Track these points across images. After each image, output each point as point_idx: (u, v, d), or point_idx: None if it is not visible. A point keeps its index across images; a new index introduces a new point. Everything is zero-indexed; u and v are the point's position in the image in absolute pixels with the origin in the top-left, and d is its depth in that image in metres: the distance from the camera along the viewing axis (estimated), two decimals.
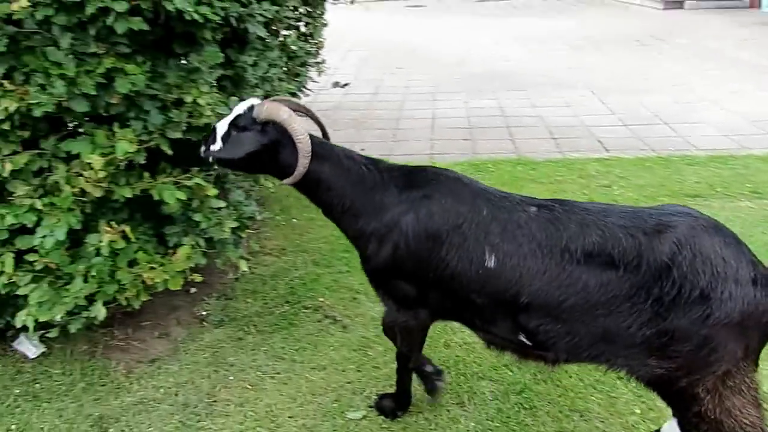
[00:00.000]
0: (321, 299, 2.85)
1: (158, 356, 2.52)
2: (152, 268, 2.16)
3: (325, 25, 3.72)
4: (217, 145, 1.80)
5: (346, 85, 3.83)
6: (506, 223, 1.57)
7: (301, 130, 1.65)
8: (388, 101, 6.19)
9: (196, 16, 1.71)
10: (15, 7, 1.50)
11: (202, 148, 1.87)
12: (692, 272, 1.37)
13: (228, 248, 2.48)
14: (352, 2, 3.51)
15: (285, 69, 3.08)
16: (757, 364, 1.48)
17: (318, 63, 3.71)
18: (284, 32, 3.02)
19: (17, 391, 2.31)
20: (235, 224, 2.41)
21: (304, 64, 3.43)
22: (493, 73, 7.18)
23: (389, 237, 1.71)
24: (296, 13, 3.05)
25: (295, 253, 3.29)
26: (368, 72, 7.48)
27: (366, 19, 10.45)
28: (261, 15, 2.32)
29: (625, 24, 10.10)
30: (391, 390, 2.15)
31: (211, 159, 1.86)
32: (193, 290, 2.94)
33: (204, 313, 2.80)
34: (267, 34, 2.42)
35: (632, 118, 5.33)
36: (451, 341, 2.52)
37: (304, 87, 3.50)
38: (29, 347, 2.43)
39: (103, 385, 2.34)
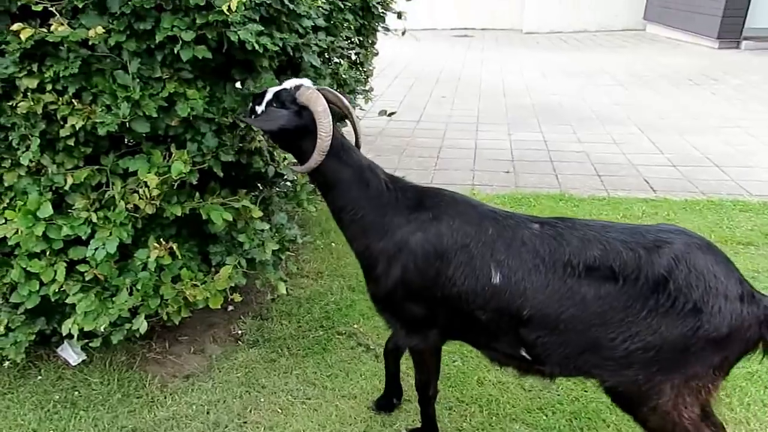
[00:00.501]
0: (355, 326, 2.84)
1: (192, 372, 2.56)
2: (195, 285, 2.21)
3: (375, 54, 3.79)
4: (260, 108, 1.83)
5: (392, 114, 3.87)
6: (511, 240, 1.64)
7: (327, 127, 1.65)
8: (432, 129, 6.22)
9: (256, 46, 1.76)
10: (92, 33, 1.59)
11: (249, 107, 1.89)
12: (687, 286, 1.45)
13: (268, 269, 2.51)
14: (403, 33, 3.55)
15: None
16: (727, 373, 1.55)
17: (366, 90, 3.77)
18: (336, 60, 3.08)
19: (57, 397, 2.37)
20: (276, 246, 2.45)
21: (353, 92, 3.49)
22: (539, 106, 7.13)
23: (398, 257, 1.75)
24: (349, 43, 3.11)
25: (331, 277, 3.30)
26: (413, 99, 7.55)
27: (414, 47, 10.57)
28: (316, 45, 2.37)
29: (677, 61, 9.90)
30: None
31: (252, 119, 1.87)
32: (230, 308, 2.99)
33: (240, 332, 2.83)
34: (320, 63, 2.47)
35: (682, 158, 5.19)
36: (484, 379, 2.47)
37: None
38: (71, 354, 2.51)
39: (138, 398, 2.38)
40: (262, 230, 2.39)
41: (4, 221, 1.98)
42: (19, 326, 2.23)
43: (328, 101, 1.73)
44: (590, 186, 4.59)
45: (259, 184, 2.67)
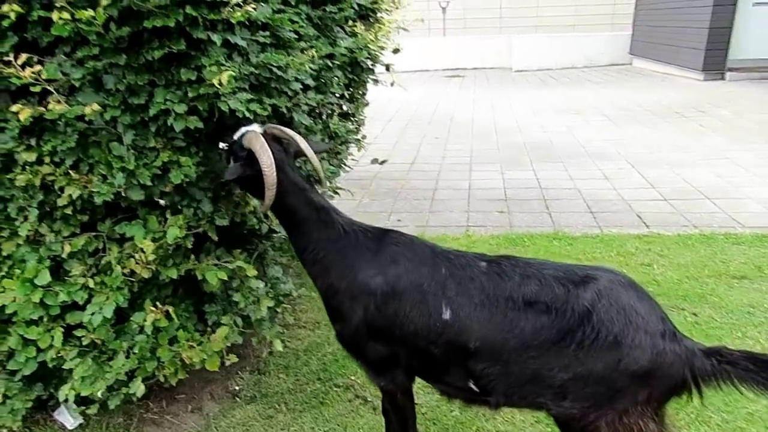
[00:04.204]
0: (352, 377, 2.84)
1: None
2: (191, 346, 2.22)
3: (366, 104, 3.89)
4: (230, 161, 1.93)
5: (384, 162, 3.95)
6: (461, 278, 1.75)
7: (267, 161, 1.72)
8: (426, 171, 6.31)
9: (247, 114, 1.83)
10: (88, 110, 1.65)
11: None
12: (609, 319, 1.53)
13: (264, 326, 2.53)
14: (392, 84, 3.66)
15: (328, 149, 3.21)
16: (657, 413, 1.59)
17: (358, 139, 3.85)
18: (327, 114, 3.17)
19: None
20: (272, 303, 2.47)
21: (345, 142, 3.57)
22: (531, 144, 7.26)
23: (360, 298, 1.84)
24: (339, 97, 3.20)
25: (328, 326, 3.29)
26: (407, 142, 7.69)
27: (407, 88, 10.81)
28: (306, 104, 2.45)
29: (664, 95, 10.12)
30: None
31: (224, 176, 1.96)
32: (228, 363, 2.98)
33: (237, 388, 2.82)
34: (311, 120, 2.55)
35: (673, 192, 5.26)
36: (482, 428, 2.45)
37: (344, 164, 3.62)
38: (68, 418, 2.49)
39: None
40: (257, 288, 2.42)
41: (2, 290, 2.01)
42: (16, 393, 2.23)
43: (278, 138, 1.83)
44: (583, 223, 4.64)
45: (254, 240, 2.71)
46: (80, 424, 2.53)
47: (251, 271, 2.30)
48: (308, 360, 3.01)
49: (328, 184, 3.48)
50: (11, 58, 1.58)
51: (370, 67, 3.38)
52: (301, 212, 1.88)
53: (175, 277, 2.10)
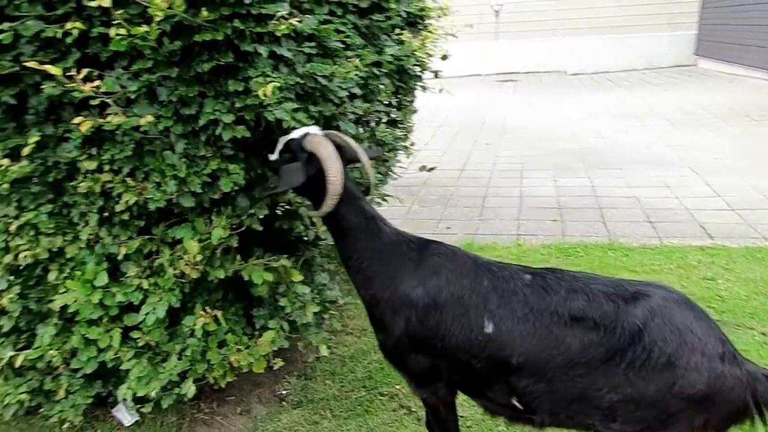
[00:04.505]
0: (397, 386, 2.82)
1: None
2: (239, 349, 2.27)
3: (414, 111, 3.88)
4: (273, 156, 1.94)
5: (432, 169, 3.93)
6: (503, 291, 1.71)
7: (336, 171, 1.71)
8: (476, 178, 6.24)
9: (292, 123, 1.86)
10: (142, 121, 1.73)
11: (267, 154, 1.99)
12: (662, 338, 1.46)
13: (310, 331, 2.56)
14: (440, 91, 3.64)
15: (375, 156, 3.23)
16: None
17: (406, 146, 3.85)
18: (374, 123, 3.18)
19: None
20: (317, 308, 2.49)
21: (392, 150, 3.57)
22: (586, 149, 7.04)
23: (401, 309, 1.82)
24: (386, 105, 3.21)
25: (374, 334, 3.30)
26: (457, 148, 7.63)
27: (458, 93, 10.75)
28: (353, 112, 2.47)
29: (732, 97, 9.58)
30: None
31: (275, 186, 2.00)
32: (276, 367, 3.04)
33: (284, 392, 2.86)
34: (358, 127, 2.57)
35: (741, 202, 4.95)
36: None
37: (392, 171, 3.63)
38: (125, 416, 2.60)
39: None
40: (303, 293, 2.45)
41: (65, 290, 2.13)
42: (77, 389, 2.35)
43: (337, 145, 1.80)
44: (641, 233, 4.45)
45: (301, 246, 2.75)
46: (136, 422, 2.64)
47: (297, 276, 2.34)
48: (354, 367, 3.02)
49: (376, 191, 3.50)
50: (74, 72, 1.68)
51: (418, 74, 3.37)
52: (350, 221, 1.88)
53: (222, 277, 2.16)
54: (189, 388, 2.25)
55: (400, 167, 3.82)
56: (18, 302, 2.20)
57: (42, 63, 1.66)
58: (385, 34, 2.75)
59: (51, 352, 2.19)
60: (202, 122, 1.80)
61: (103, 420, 2.67)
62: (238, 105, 1.79)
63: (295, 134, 1.84)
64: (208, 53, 1.77)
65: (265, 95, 1.69)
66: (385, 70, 2.75)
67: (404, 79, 3.21)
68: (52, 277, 2.16)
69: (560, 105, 10.22)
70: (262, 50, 1.77)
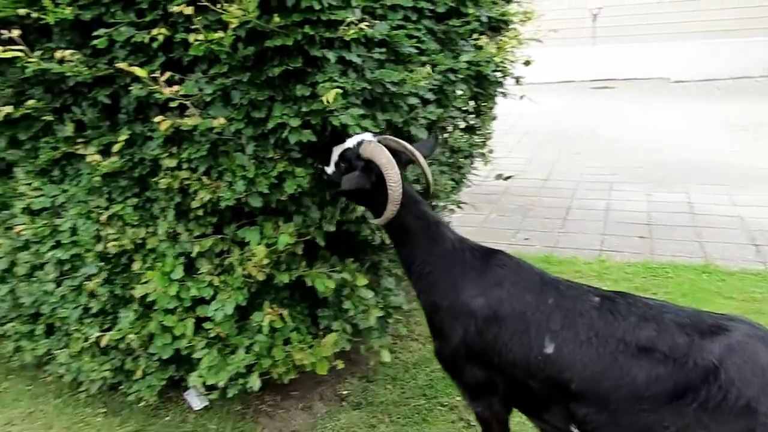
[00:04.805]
0: (458, 398, 2.76)
1: (298, 429, 2.66)
2: (302, 348, 2.32)
3: (493, 118, 3.78)
4: (329, 169, 1.96)
5: (509, 178, 3.81)
6: (569, 311, 1.63)
7: (395, 177, 1.69)
8: (560, 188, 5.97)
9: (357, 129, 1.87)
10: (216, 123, 1.82)
11: (323, 167, 2.01)
12: (741, 379, 1.33)
13: (373, 335, 2.56)
14: (521, 98, 3.52)
15: (448, 162, 3.18)
16: None
17: (483, 154, 3.76)
18: (449, 129, 3.14)
19: None
20: (381, 313, 2.49)
21: (469, 156, 3.50)
22: (686, 163, 6.51)
23: (461, 318, 1.77)
24: (462, 111, 3.15)
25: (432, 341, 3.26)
26: (542, 157, 7.35)
27: (547, 100, 10.37)
28: (425, 118, 2.45)
29: None
30: None
31: (325, 178, 1.99)
32: (339, 367, 3.08)
33: (345, 392, 2.89)
34: (429, 134, 2.54)
35: None
36: None
37: (465, 179, 3.55)
38: (195, 400, 2.75)
39: None
40: (367, 298, 2.46)
41: (146, 280, 2.27)
42: (153, 372, 2.51)
43: (393, 150, 1.77)
44: (742, 257, 4.05)
45: (368, 250, 2.77)
46: (205, 407, 2.77)
47: (361, 281, 2.35)
48: (416, 374, 3.00)
49: (451, 197, 3.45)
50: (158, 75, 1.79)
51: (498, 80, 3.27)
52: (410, 226, 1.86)
53: (287, 281, 2.22)
54: (254, 382, 2.33)
55: (477, 175, 3.73)
56: (105, 287, 2.39)
57: (131, 65, 1.78)
58: (463, 39, 2.70)
59: (131, 335, 2.35)
60: (270, 125, 1.86)
61: (175, 402, 2.83)
62: (304, 109, 1.83)
63: (349, 143, 1.85)
64: (279, 58, 1.83)
65: (328, 101, 1.71)
66: (462, 76, 2.70)
67: (483, 85, 3.13)
68: (135, 266, 2.32)
69: (660, 114, 9.56)
70: (331, 55, 1.79)
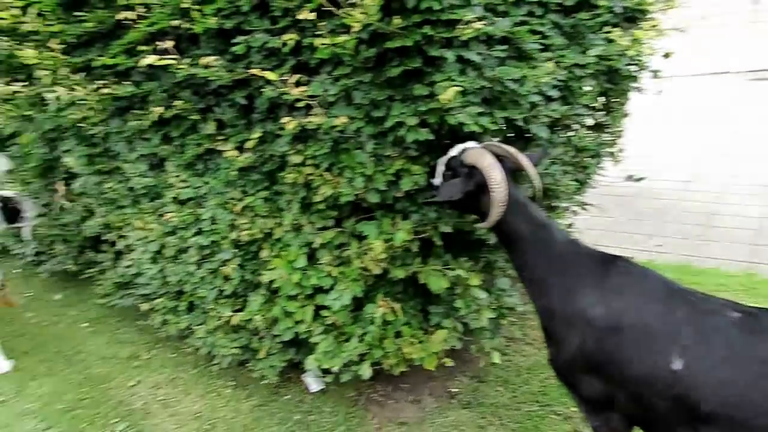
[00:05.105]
0: (573, 409, 2.63)
1: (406, 421, 2.71)
2: (413, 343, 2.36)
3: (625, 115, 3.53)
4: (436, 181, 1.98)
5: (641, 179, 3.53)
6: (702, 325, 1.50)
7: (498, 178, 1.67)
8: (704, 192, 5.41)
9: (474, 128, 1.86)
10: (338, 122, 1.91)
11: (430, 180, 2.05)
12: None
13: (484, 336, 2.53)
14: (659, 93, 3.24)
15: (572, 162, 3.03)
16: None
17: (613, 153, 3.52)
18: (575, 127, 2.98)
19: (296, 417, 2.78)
20: (493, 314, 2.45)
21: (596, 156, 3.30)
22: None
23: (577, 326, 1.67)
24: (590, 109, 2.98)
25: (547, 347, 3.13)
26: (685, 156, 6.70)
27: (696, 92, 9.43)
28: (547, 116, 2.36)
29: None
30: None
31: (433, 197, 2.01)
32: (450, 364, 3.08)
33: (455, 390, 2.89)
34: (551, 132, 2.44)
35: None
36: None
37: (590, 179, 3.35)
38: (312, 383, 2.91)
39: None
40: (480, 298, 2.43)
41: (273, 267, 2.45)
42: (275, 353, 2.71)
43: (498, 156, 1.76)
44: None
45: (483, 249, 2.73)
46: (321, 390, 2.93)
47: (474, 281, 2.33)
48: (529, 379, 2.91)
49: (574, 198, 3.28)
50: (287, 77, 1.92)
51: (632, 74, 3.05)
52: (519, 229, 1.83)
53: (402, 276, 2.27)
54: (366, 370, 2.41)
55: (607, 175, 3.51)
56: (238, 272, 2.61)
57: (263, 70, 1.93)
58: (593, 32, 2.55)
59: (257, 317, 2.55)
60: (388, 124, 1.91)
61: (294, 383, 3.02)
62: (422, 108, 1.85)
63: (453, 152, 1.86)
64: (399, 59, 1.87)
65: (447, 99, 1.71)
66: (590, 71, 2.55)
67: (614, 80, 2.93)
68: (264, 254, 2.51)
69: None
70: (449, 55, 1.80)
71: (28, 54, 2.31)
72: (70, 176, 3.31)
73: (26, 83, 2.65)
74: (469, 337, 2.55)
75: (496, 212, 1.71)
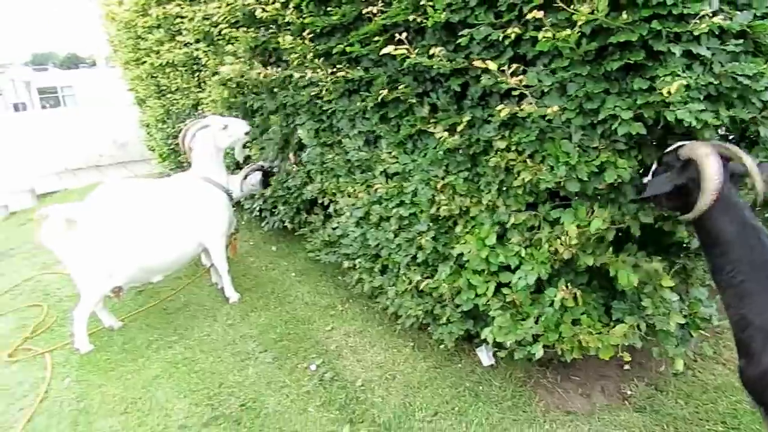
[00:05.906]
0: None
1: (574, 411, 2.75)
2: (590, 333, 2.40)
3: None
4: (647, 179, 1.97)
5: None
6: None
7: (714, 170, 1.63)
8: None
9: (695, 124, 1.83)
10: (549, 111, 2.02)
11: (642, 178, 2.04)
12: None
13: (669, 341, 2.46)
14: None
15: None
16: None
17: None
18: None
19: (467, 384, 2.98)
20: (683, 320, 2.37)
21: None
22: None
23: None
24: None
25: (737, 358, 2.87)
26: None
27: None
28: None
29: None
30: None
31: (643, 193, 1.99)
32: (626, 367, 3.02)
33: (629, 392, 2.84)
34: None
35: None
36: None
37: None
38: (485, 356, 3.09)
39: (524, 412, 2.75)
40: (671, 300, 2.37)
41: (465, 242, 2.67)
42: (455, 321, 2.93)
43: (723, 156, 1.69)
44: None
45: (680, 253, 2.63)
46: (491, 365, 3.09)
47: (666, 281, 2.28)
48: (716, 398, 2.74)
49: None
50: (505, 68, 2.08)
51: None
52: (725, 228, 1.73)
53: (590, 264, 2.31)
54: (538, 350, 2.51)
55: None
56: (431, 243, 2.88)
57: (484, 60, 2.12)
58: None
59: (443, 285, 2.79)
60: (600, 116, 1.96)
61: (467, 354, 3.22)
62: (639, 102, 1.87)
63: (669, 149, 1.85)
64: (620, 52, 1.91)
65: (669, 93, 1.72)
66: None
67: None
68: (458, 229, 2.74)
69: None
70: (676, 49, 1.79)
71: (286, 41, 2.80)
72: (300, 147, 3.90)
73: (277, 67, 3.21)
74: (651, 337, 2.49)
75: (704, 201, 1.68)
